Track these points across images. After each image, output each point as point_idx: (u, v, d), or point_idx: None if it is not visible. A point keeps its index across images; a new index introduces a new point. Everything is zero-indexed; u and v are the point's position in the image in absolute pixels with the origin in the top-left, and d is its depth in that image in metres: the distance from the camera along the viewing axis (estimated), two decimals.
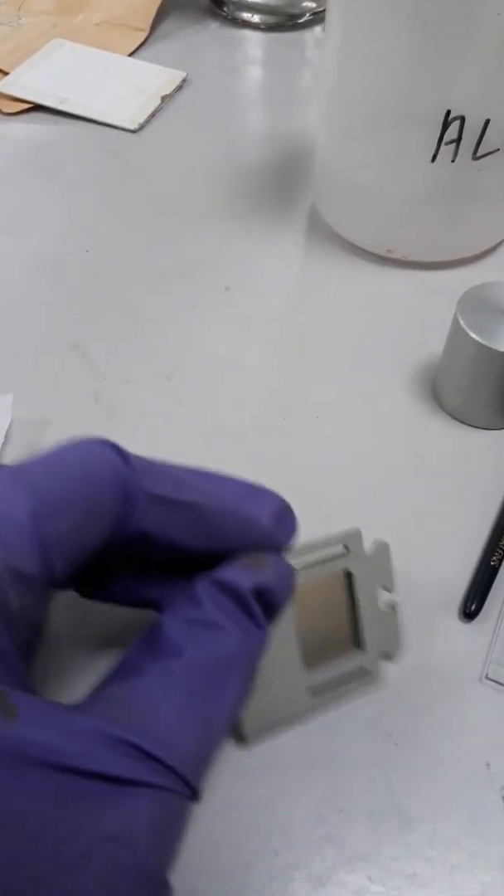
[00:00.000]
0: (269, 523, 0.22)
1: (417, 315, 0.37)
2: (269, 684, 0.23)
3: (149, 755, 0.16)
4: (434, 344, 0.34)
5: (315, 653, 0.24)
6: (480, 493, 0.31)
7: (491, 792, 0.24)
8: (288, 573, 0.22)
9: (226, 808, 0.23)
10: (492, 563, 0.28)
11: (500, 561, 0.28)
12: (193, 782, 0.17)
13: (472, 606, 0.27)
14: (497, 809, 0.23)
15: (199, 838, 0.22)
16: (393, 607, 0.25)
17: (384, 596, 0.25)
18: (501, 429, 0.33)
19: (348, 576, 0.24)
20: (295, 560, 0.23)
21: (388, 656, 0.26)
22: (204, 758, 0.18)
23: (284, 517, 0.22)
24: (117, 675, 0.19)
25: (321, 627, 0.24)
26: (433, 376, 0.34)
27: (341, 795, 0.24)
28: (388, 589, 0.25)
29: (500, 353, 0.29)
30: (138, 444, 0.32)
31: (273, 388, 0.34)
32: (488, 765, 0.24)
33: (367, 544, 0.25)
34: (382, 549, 0.25)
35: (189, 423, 0.33)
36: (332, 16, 0.34)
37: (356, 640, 0.25)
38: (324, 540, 0.24)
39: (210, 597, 0.20)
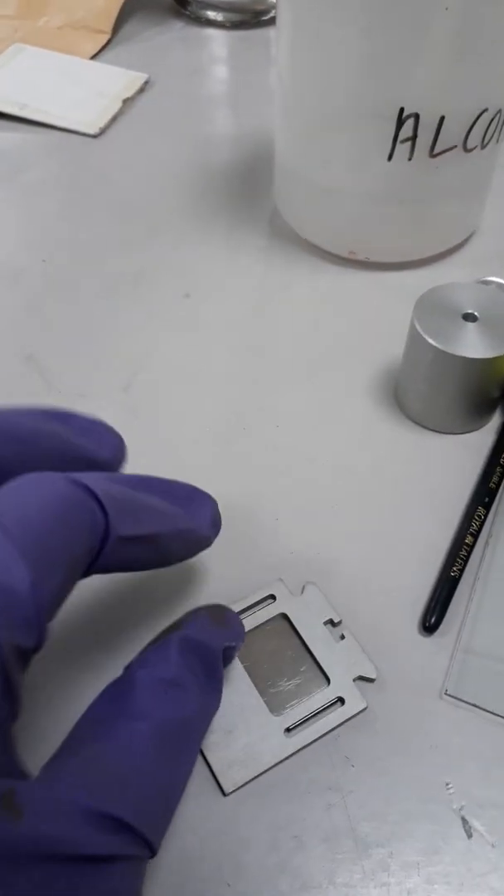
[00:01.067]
0: (209, 531, 0.23)
1: (380, 317, 0.37)
2: (240, 736, 0.24)
3: (124, 825, 0.17)
4: (397, 347, 0.33)
5: (282, 697, 0.25)
6: (443, 500, 0.30)
7: (450, 813, 0.23)
8: (241, 625, 0.24)
9: (174, 836, 0.22)
10: (452, 574, 0.27)
11: (462, 571, 0.27)
12: (156, 846, 0.18)
13: (431, 619, 0.26)
14: (456, 830, 0.23)
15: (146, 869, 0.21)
16: (343, 636, 0.26)
17: (332, 629, 0.26)
18: (463, 433, 0.32)
19: (286, 619, 0.26)
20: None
21: (366, 679, 0.25)
22: (165, 819, 0.19)
23: (216, 520, 0.24)
24: (88, 732, 0.19)
25: (279, 672, 0.25)
26: (395, 380, 0.34)
27: (296, 822, 0.23)
28: (333, 621, 0.26)
29: (459, 357, 0.28)
30: None
31: (233, 397, 0.34)
32: (447, 784, 0.23)
33: (297, 587, 0.27)
34: (311, 589, 0.27)
35: (146, 436, 0.32)
36: (282, 13, 0.33)
37: (325, 677, 0.25)
38: (249, 597, 0.27)
39: (181, 656, 0.21)
